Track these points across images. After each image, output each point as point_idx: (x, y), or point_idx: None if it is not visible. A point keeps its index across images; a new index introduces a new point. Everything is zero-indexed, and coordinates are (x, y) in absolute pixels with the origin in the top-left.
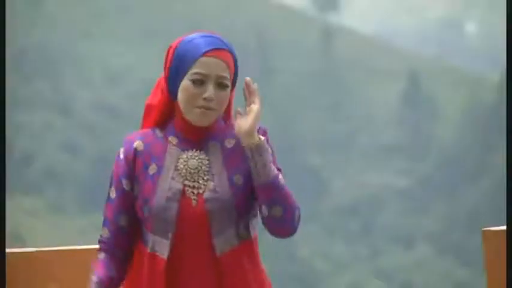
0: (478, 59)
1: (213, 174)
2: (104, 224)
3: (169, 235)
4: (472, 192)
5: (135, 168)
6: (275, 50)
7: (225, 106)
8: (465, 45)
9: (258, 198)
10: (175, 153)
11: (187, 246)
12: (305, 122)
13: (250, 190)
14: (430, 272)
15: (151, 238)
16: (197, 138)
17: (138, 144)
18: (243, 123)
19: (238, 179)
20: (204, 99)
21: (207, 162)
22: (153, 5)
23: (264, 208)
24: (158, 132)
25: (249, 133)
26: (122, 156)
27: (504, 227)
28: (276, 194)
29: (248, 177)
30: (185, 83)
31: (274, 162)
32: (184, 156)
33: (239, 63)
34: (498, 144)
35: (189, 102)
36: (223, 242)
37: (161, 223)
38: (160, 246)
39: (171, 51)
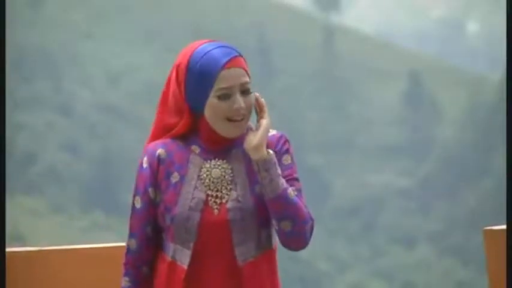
0: (479, 59)
1: (236, 184)
2: (131, 235)
3: (191, 245)
4: (473, 192)
5: (158, 176)
6: (276, 50)
7: (251, 111)
8: (466, 45)
9: (269, 211)
10: (198, 163)
11: (208, 255)
12: (306, 121)
13: None
14: (431, 272)
15: (171, 246)
16: (221, 147)
17: (161, 151)
18: (251, 138)
19: (260, 188)
20: (235, 110)
21: (230, 171)
22: (154, 6)
23: (274, 221)
24: (179, 142)
25: (257, 148)
26: (145, 165)
27: (505, 226)
28: (284, 209)
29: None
30: (212, 101)
31: (292, 171)
32: (208, 165)
33: None
34: (499, 144)
35: (219, 118)
36: (245, 252)
37: (183, 232)
38: (181, 255)
39: (182, 68)
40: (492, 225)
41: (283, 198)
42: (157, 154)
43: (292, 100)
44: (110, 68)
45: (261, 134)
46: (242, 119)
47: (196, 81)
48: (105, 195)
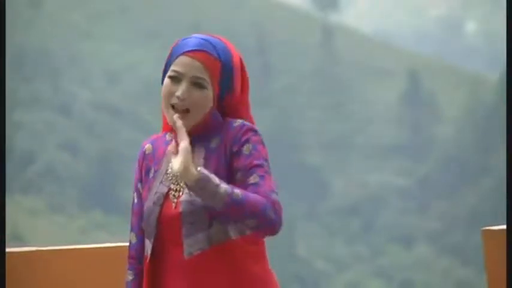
0: (477, 58)
1: None
2: (131, 229)
3: (152, 239)
4: (472, 192)
5: (142, 171)
6: (275, 50)
7: (203, 107)
8: (465, 44)
9: (228, 218)
10: (170, 157)
11: (165, 248)
12: (305, 121)
13: None
14: (430, 272)
15: (146, 241)
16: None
17: (148, 147)
18: (175, 164)
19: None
20: (177, 97)
21: None
22: (153, 5)
23: (240, 224)
24: (168, 136)
25: (184, 172)
26: (138, 157)
27: (504, 227)
28: (239, 211)
29: (227, 181)
30: (165, 80)
31: (251, 159)
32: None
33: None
34: (498, 144)
35: (165, 99)
36: (192, 244)
37: (147, 227)
38: (147, 248)
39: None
40: (491, 225)
41: (233, 204)
42: (144, 150)
43: (291, 99)
44: (109, 68)
45: (182, 156)
46: (186, 112)
47: (166, 60)
48: (104, 195)
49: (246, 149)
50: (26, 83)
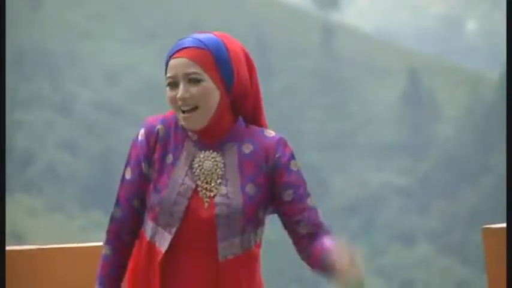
0: (478, 57)
1: (226, 179)
2: (117, 203)
3: (173, 230)
4: (473, 190)
5: (154, 153)
6: (275, 49)
7: (209, 99)
8: (465, 43)
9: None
10: (193, 151)
11: (189, 245)
12: (305, 120)
13: (260, 202)
14: (430, 270)
15: (152, 227)
16: (212, 139)
17: (160, 128)
18: (356, 275)
19: (251, 188)
20: (179, 99)
21: (222, 165)
22: (153, 5)
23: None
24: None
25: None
26: (142, 138)
27: (504, 225)
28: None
29: (260, 189)
30: (167, 90)
31: (303, 180)
32: (201, 155)
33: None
34: (498, 143)
35: (173, 108)
36: (227, 248)
37: (167, 216)
38: (161, 238)
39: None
40: (491, 224)
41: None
42: (156, 129)
43: (292, 99)
44: (109, 67)
45: (359, 266)
46: (193, 109)
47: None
48: (104, 194)
49: (293, 164)
50: (26, 82)
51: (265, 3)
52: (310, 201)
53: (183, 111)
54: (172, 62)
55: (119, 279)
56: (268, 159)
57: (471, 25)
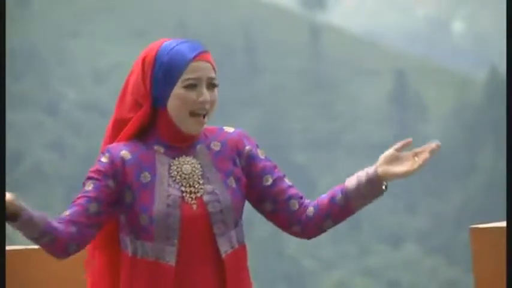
0: (465, 58)
1: (207, 178)
2: (69, 207)
3: (175, 241)
4: (460, 191)
5: (126, 177)
6: (263, 49)
7: (216, 107)
8: (453, 44)
9: (330, 214)
10: (166, 161)
11: (193, 250)
12: (293, 120)
13: (243, 193)
14: (418, 271)
15: (153, 247)
16: (185, 144)
17: (124, 153)
18: (412, 169)
19: (232, 181)
20: (200, 103)
21: (199, 166)
22: (140, 4)
23: (325, 221)
24: (139, 143)
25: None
26: (105, 160)
27: (492, 224)
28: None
29: (239, 181)
30: (178, 91)
31: (273, 162)
32: (176, 162)
33: (227, 62)
34: (486, 143)
35: (183, 111)
36: (226, 243)
37: (163, 230)
38: (165, 254)
39: (149, 59)
40: (479, 224)
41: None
42: (120, 155)
43: (279, 98)
44: (96, 67)
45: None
46: (204, 115)
47: (165, 71)
48: None
49: (261, 153)
50: (14, 82)
51: (253, 3)
52: (288, 180)
53: (201, 115)
54: (196, 63)
55: (44, 224)
56: (239, 152)
57: (458, 27)
